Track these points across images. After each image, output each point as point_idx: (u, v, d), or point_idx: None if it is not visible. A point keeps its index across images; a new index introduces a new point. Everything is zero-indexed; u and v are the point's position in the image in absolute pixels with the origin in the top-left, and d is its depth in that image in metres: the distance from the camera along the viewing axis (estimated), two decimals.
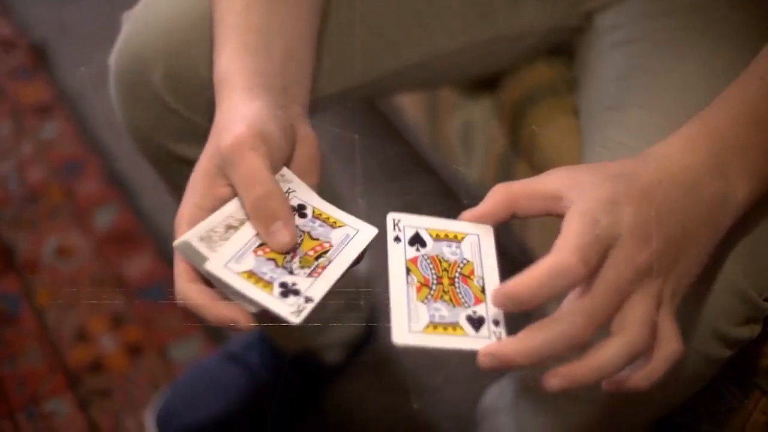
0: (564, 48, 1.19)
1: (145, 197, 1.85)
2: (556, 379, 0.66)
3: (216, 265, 0.70)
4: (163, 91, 0.99)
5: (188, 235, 0.71)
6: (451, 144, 1.38)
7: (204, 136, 1.01)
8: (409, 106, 1.51)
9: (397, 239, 0.72)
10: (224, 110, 0.78)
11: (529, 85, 1.19)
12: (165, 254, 1.73)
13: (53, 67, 2.23)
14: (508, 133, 1.22)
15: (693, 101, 0.87)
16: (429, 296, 0.69)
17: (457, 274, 0.71)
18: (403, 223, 0.73)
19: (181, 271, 0.73)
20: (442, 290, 0.69)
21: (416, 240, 0.72)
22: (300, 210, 0.75)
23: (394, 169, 1.77)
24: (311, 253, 0.73)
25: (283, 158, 0.77)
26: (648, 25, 1.03)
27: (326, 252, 0.73)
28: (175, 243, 0.72)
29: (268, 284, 0.70)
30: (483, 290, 0.70)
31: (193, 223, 0.73)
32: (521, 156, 1.20)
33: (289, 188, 0.76)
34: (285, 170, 0.77)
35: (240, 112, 0.76)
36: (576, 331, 0.65)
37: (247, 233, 0.73)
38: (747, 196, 0.74)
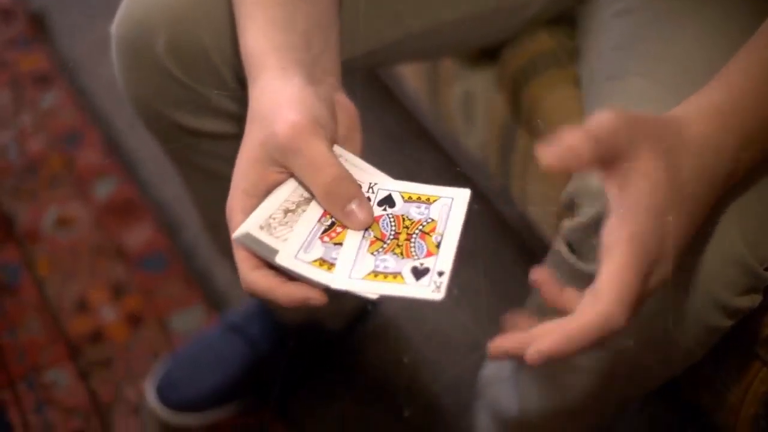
0: (566, 18, 1.18)
1: (146, 167, 1.85)
2: (536, 355, 0.66)
3: (287, 257, 0.71)
4: (165, 60, 0.98)
5: (247, 226, 0.71)
6: (452, 113, 1.37)
7: (208, 106, 1.01)
8: (410, 75, 1.50)
9: (368, 200, 0.74)
10: (262, 92, 0.77)
11: (530, 55, 1.18)
12: (165, 224, 1.73)
13: (53, 36, 2.22)
14: (509, 103, 1.21)
15: (694, 70, 0.86)
16: (380, 249, 0.72)
17: (417, 231, 0.72)
18: (379, 186, 0.75)
19: (242, 260, 0.73)
20: (396, 244, 0.72)
21: (386, 201, 0.74)
22: (387, 201, 0.75)
23: (395, 138, 1.77)
24: (416, 233, 0.73)
25: (334, 136, 0.77)
26: None
27: (434, 229, 0.73)
28: (235, 235, 0.72)
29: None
30: (438, 246, 0.71)
31: (247, 211, 0.73)
32: (522, 125, 1.20)
33: (370, 184, 0.76)
34: (340, 150, 0.77)
35: (285, 96, 0.75)
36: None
37: (310, 220, 0.73)
38: (749, 162, 0.75)
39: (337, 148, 0.76)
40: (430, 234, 0.72)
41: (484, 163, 1.32)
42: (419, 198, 0.74)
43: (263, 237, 0.71)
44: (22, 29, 2.24)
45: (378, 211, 0.74)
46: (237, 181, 0.74)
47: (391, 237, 0.72)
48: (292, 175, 0.75)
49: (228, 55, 0.97)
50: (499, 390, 1.21)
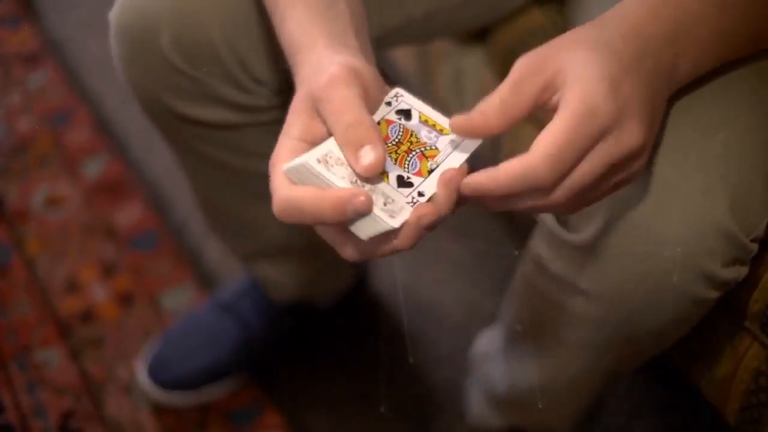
0: None
1: (135, 146, 1.85)
2: (467, 188, 0.69)
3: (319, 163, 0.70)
4: (169, 53, 0.97)
5: (305, 157, 0.70)
6: (443, 92, 1.37)
7: (211, 96, 1.01)
8: (401, 55, 1.50)
9: (388, 104, 0.75)
10: (311, 64, 0.76)
11: (520, 31, 1.18)
12: (155, 203, 1.73)
13: (40, 15, 2.21)
14: (500, 79, 1.21)
15: None
16: None
17: (418, 150, 0.73)
18: (404, 99, 0.76)
19: (279, 183, 0.71)
20: (395, 150, 0.72)
21: (403, 113, 0.75)
22: (405, 113, 0.75)
23: None
24: (417, 151, 0.73)
25: (380, 95, 0.76)
26: None
27: (434, 156, 0.73)
28: (290, 164, 0.70)
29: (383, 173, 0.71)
30: (430, 172, 0.71)
31: (296, 152, 0.71)
32: None
33: (397, 93, 0.76)
34: (402, 91, 0.76)
35: (334, 58, 0.74)
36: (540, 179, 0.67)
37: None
38: (690, 70, 0.76)
39: (399, 89, 0.76)
40: (428, 159, 0.72)
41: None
42: (434, 125, 0.74)
43: (321, 169, 0.69)
44: (9, 8, 2.23)
45: (393, 117, 0.74)
46: (285, 132, 0.73)
47: (393, 143, 0.73)
48: None
49: (235, 47, 0.97)
50: (490, 366, 1.21)
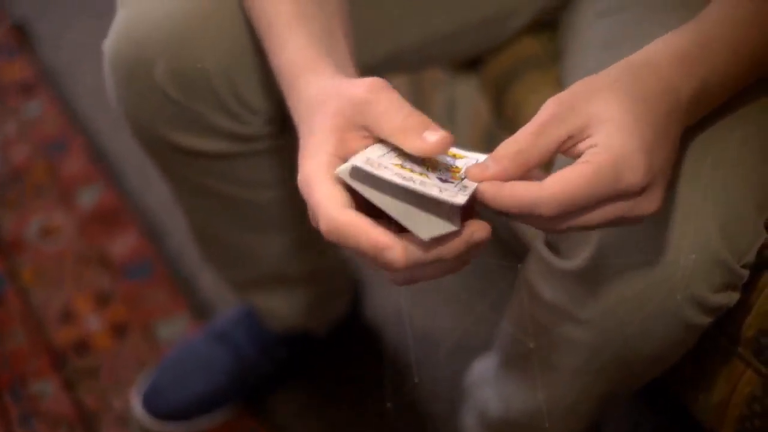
0: (549, 22, 1.18)
1: (130, 176, 1.85)
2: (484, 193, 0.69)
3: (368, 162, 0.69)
4: (164, 83, 0.98)
5: (354, 160, 0.69)
6: (437, 120, 1.37)
7: (205, 126, 1.01)
8: (393, 83, 1.49)
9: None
10: (321, 86, 0.76)
11: (513, 59, 1.18)
12: (149, 232, 1.73)
13: (35, 45, 2.22)
14: (492, 108, 1.21)
15: None
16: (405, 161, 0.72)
17: (442, 167, 0.73)
18: None
19: (328, 198, 0.69)
20: (422, 162, 0.72)
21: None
22: None
23: None
24: (442, 169, 0.72)
25: None
26: None
27: (458, 172, 0.72)
28: (341, 168, 0.69)
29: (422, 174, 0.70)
30: (462, 178, 0.71)
31: (333, 166, 0.70)
32: (505, 129, 1.20)
33: None
34: None
35: (350, 76, 0.75)
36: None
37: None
38: (701, 116, 0.78)
39: None
40: (454, 173, 0.72)
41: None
42: (452, 154, 0.75)
43: (373, 169, 0.68)
44: (4, 39, 2.24)
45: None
46: (314, 151, 0.72)
47: (417, 161, 0.72)
48: (373, 140, 0.73)
49: (230, 77, 0.97)
50: (486, 392, 1.21)
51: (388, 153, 0.72)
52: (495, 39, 1.18)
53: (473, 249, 0.69)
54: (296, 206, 1.19)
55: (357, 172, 0.69)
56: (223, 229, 1.21)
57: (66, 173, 1.87)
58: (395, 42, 1.08)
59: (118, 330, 1.58)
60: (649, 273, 0.82)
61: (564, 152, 0.70)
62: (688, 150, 0.82)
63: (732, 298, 0.85)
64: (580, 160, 0.68)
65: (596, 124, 0.69)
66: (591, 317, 0.89)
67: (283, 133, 1.06)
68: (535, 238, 0.96)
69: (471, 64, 1.27)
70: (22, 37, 2.24)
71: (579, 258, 0.86)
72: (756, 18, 0.78)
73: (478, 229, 0.68)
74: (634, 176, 0.67)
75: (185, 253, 1.65)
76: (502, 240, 1.52)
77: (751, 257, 0.83)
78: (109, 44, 1.01)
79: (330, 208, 0.68)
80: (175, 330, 1.58)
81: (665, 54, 0.74)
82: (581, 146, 0.69)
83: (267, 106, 1.01)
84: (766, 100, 0.86)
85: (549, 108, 0.70)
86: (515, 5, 1.13)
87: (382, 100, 0.72)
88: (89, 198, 1.82)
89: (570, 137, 0.69)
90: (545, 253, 0.92)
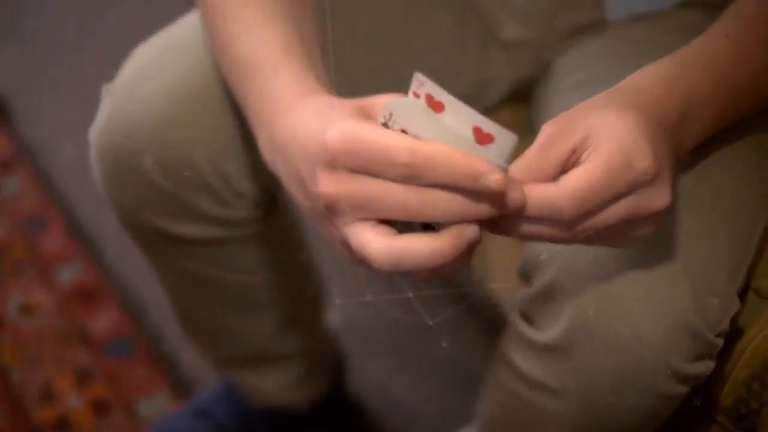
0: (525, 94, 1.19)
1: (109, 251, 1.84)
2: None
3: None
4: (153, 173, 0.98)
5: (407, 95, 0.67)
6: None
7: (193, 213, 1.01)
8: None
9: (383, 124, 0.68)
10: (329, 103, 0.74)
11: None
12: (130, 308, 1.72)
13: (13, 120, 2.22)
14: None
15: None
16: None
17: None
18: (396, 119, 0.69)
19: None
20: None
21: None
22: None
23: None
24: None
25: None
26: (604, 66, 1.04)
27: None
28: (387, 101, 0.67)
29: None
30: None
31: (355, 117, 0.68)
32: None
33: (391, 114, 0.69)
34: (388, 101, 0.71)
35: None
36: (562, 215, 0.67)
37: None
38: (690, 148, 0.78)
39: (388, 102, 0.70)
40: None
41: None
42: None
43: (438, 96, 0.66)
44: None
45: None
46: (340, 113, 0.69)
47: None
48: None
49: (218, 163, 0.98)
50: None
51: None
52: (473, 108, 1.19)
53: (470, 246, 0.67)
54: (282, 287, 1.19)
55: (405, 105, 0.66)
56: (207, 310, 1.20)
57: (45, 250, 1.87)
58: None
59: (100, 408, 1.57)
60: (624, 345, 0.82)
61: (570, 168, 0.69)
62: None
63: (708, 366, 0.85)
64: (587, 159, 0.68)
65: (596, 132, 0.69)
66: (568, 390, 0.89)
67: (269, 217, 1.07)
68: (511, 309, 0.97)
69: None
70: (1, 111, 2.24)
71: (553, 331, 0.86)
72: (733, 51, 0.81)
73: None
74: (644, 160, 0.67)
75: (166, 329, 1.64)
76: (479, 312, 1.53)
77: (725, 325, 0.84)
78: (95, 134, 1.01)
79: (404, 138, 0.65)
80: (157, 407, 1.56)
81: (648, 78, 0.76)
82: (585, 155, 0.69)
83: (254, 190, 1.02)
84: (734, 162, 0.88)
85: (548, 129, 0.70)
86: (489, 78, 1.14)
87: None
88: (69, 275, 1.81)
89: (574, 151, 0.69)
90: (521, 325, 0.92)
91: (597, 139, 0.69)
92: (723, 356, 0.88)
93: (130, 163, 0.99)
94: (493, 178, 0.62)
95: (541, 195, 0.66)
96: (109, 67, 1.04)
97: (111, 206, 1.05)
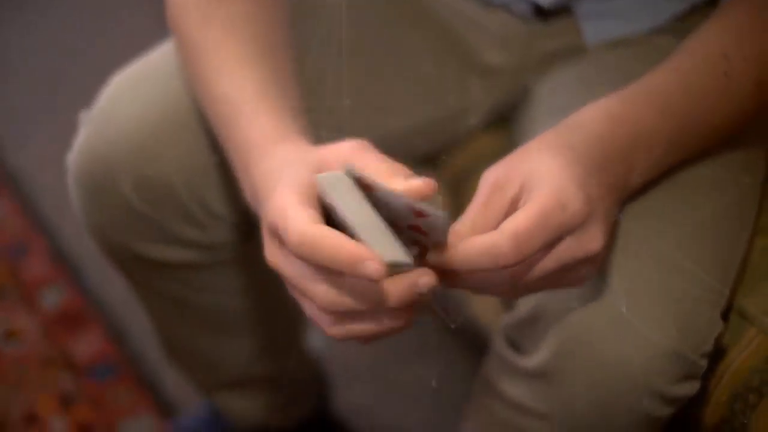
0: (506, 119, 1.20)
1: (92, 276, 1.84)
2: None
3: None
4: (130, 197, 0.99)
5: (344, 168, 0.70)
6: None
7: (170, 236, 1.02)
8: None
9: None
10: (302, 148, 0.78)
11: (471, 155, 1.20)
12: (113, 332, 1.72)
13: None
14: (451, 202, 1.23)
15: None
16: None
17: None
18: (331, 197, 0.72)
19: (301, 214, 0.69)
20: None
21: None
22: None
23: None
24: None
25: None
26: (582, 91, 1.05)
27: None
28: (320, 175, 0.70)
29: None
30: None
31: (306, 197, 0.71)
32: None
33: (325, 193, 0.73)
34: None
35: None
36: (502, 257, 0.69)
37: None
38: (640, 182, 0.80)
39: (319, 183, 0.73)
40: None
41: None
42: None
43: (353, 183, 0.70)
44: None
45: None
46: (289, 183, 0.72)
47: None
48: None
49: (195, 187, 0.99)
50: None
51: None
52: (451, 137, 1.20)
53: (417, 297, 0.69)
54: (261, 311, 1.19)
55: (337, 182, 0.70)
56: (187, 333, 1.21)
57: (28, 275, 1.87)
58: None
59: (84, 431, 1.56)
60: (609, 368, 0.83)
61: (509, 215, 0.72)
62: (640, 240, 0.84)
63: (693, 387, 0.87)
64: (523, 205, 0.71)
65: (530, 180, 0.72)
66: (552, 413, 0.90)
67: (247, 241, 1.07)
68: (495, 334, 0.97)
69: (429, 159, 1.28)
70: None
71: (538, 356, 0.87)
72: (684, 86, 0.82)
73: (424, 274, 0.68)
74: (575, 203, 0.70)
75: (149, 352, 1.64)
76: (463, 335, 1.53)
77: (709, 347, 0.85)
78: (73, 160, 1.01)
79: (304, 222, 0.68)
80: (141, 429, 1.56)
81: (593, 114, 0.79)
82: (521, 203, 0.72)
83: (232, 213, 1.02)
84: (714, 186, 0.89)
85: (488, 180, 0.74)
86: (468, 104, 1.15)
87: (366, 157, 0.74)
88: (52, 299, 1.81)
89: (513, 202, 0.73)
90: (506, 351, 0.93)
91: (531, 186, 0.72)
92: (707, 376, 0.88)
93: (107, 187, 0.99)
94: (373, 267, 0.64)
95: (482, 241, 0.69)
96: (91, 97, 1.05)
97: (88, 230, 1.06)
